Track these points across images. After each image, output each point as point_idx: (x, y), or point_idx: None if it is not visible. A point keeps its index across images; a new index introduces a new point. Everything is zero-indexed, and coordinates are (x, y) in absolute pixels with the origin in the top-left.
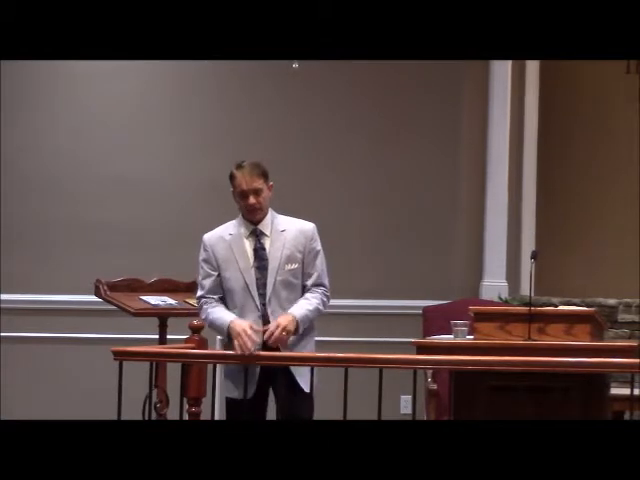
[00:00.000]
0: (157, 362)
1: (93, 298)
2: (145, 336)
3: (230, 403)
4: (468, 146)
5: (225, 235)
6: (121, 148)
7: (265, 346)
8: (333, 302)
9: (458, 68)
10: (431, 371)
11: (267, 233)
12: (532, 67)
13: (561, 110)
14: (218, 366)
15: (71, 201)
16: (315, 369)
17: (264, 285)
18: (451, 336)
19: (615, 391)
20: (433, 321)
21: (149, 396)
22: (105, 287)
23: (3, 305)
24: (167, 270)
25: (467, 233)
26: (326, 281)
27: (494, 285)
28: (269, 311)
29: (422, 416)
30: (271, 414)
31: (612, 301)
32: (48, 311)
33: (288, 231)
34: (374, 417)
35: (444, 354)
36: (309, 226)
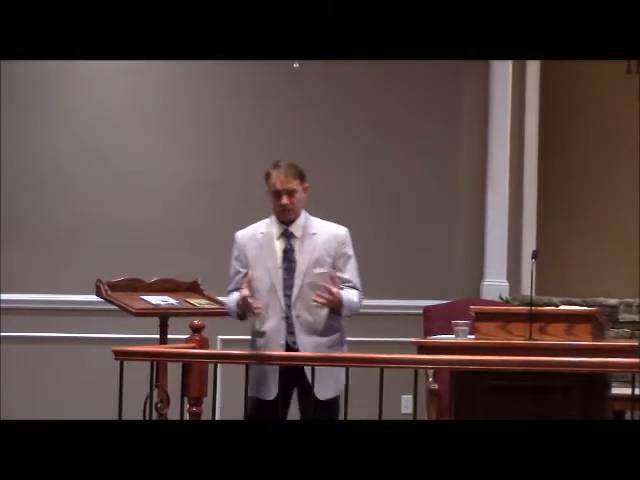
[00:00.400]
0: (158, 362)
1: (94, 298)
2: (146, 336)
3: (253, 402)
4: (469, 146)
5: (257, 234)
6: (121, 148)
7: (288, 347)
8: None
9: (458, 68)
10: (432, 371)
11: (297, 235)
12: (532, 67)
13: (561, 110)
14: (222, 366)
15: (71, 201)
16: (343, 376)
17: (291, 287)
18: (452, 336)
19: (616, 391)
20: (434, 321)
21: (150, 396)
22: (106, 287)
23: (3, 305)
24: (168, 270)
25: (468, 233)
26: (359, 286)
27: (495, 285)
28: (294, 314)
29: (423, 416)
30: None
31: (613, 301)
32: (48, 311)
33: (319, 234)
34: (375, 417)
35: (445, 354)
36: (342, 230)
